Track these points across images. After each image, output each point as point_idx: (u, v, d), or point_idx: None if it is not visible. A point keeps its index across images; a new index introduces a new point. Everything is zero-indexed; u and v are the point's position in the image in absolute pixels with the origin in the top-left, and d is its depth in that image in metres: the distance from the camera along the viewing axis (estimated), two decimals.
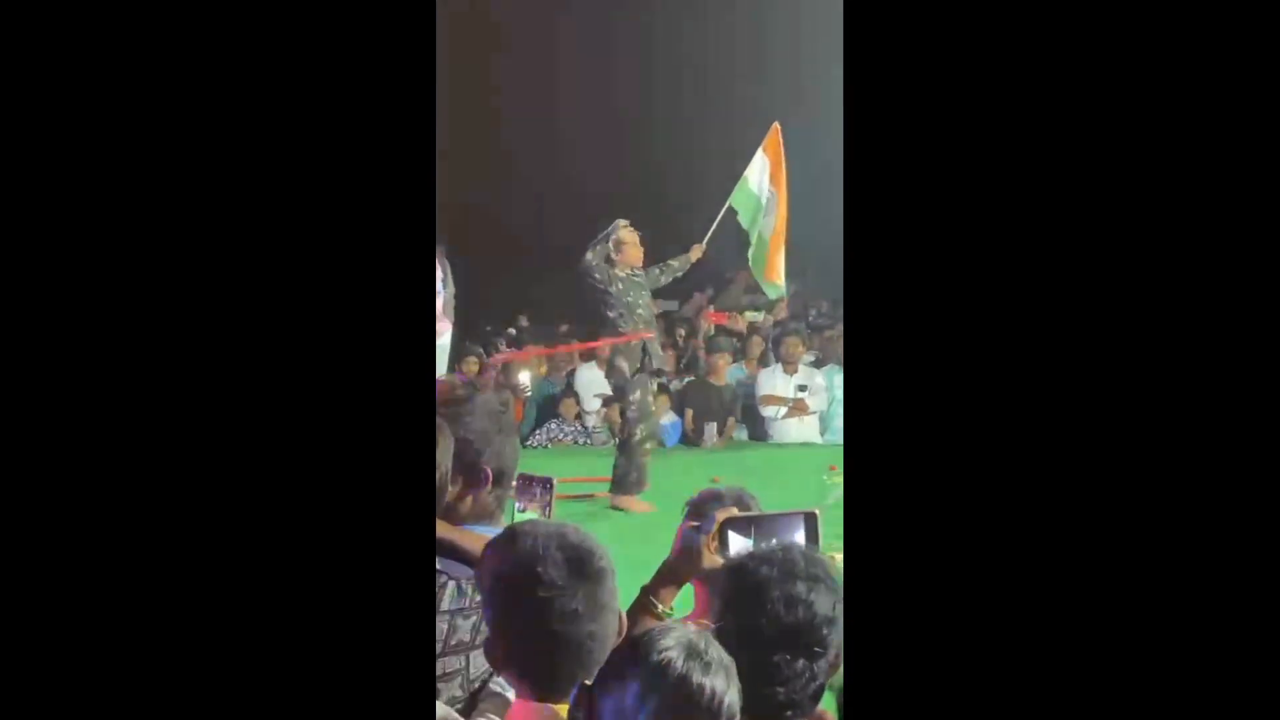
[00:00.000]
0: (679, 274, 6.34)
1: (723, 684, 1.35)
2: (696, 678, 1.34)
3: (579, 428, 7.74)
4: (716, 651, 1.38)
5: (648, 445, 5.81)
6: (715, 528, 1.78)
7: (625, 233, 5.85)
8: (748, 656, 1.44)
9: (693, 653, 1.36)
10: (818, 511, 1.92)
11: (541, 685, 1.46)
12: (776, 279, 6.58)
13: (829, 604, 1.54)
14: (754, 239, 6.49)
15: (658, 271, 6.11)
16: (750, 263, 6.66)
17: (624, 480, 5.72)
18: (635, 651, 1.38)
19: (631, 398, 5.81)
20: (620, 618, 1.50)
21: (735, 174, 6.57)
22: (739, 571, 1.59)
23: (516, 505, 1.88)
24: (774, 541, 1.71)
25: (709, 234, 6.30)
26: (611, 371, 6.00)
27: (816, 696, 1.55)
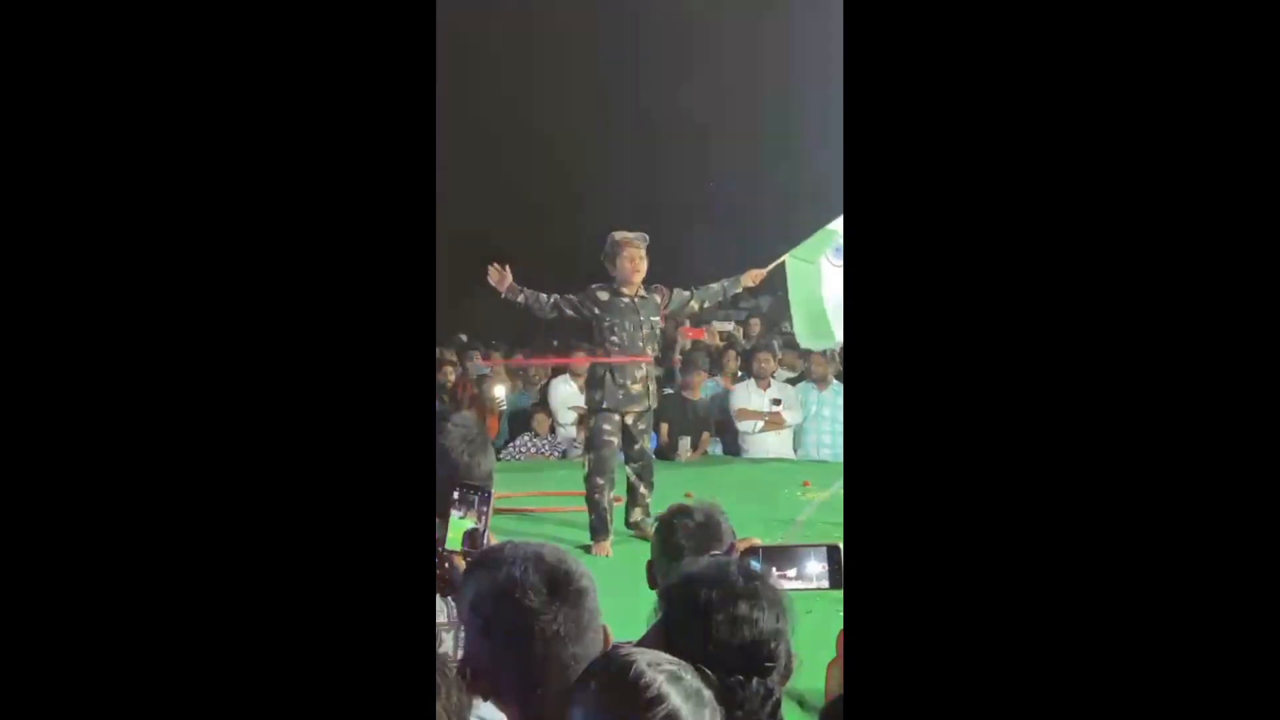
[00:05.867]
0: (720, 298, 5.70)
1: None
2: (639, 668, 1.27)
3: (552, 441, 7.72)
4: (692, 679, 1.32)
5: (599, 481, 5.17)
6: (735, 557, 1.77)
7: (630, 248, 5.27)
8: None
9: (673, 677, 1.30)
10: (840, 546, 1.92)
11: (529, 711, 1.43)
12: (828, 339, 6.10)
13: (773, 617, 1.53)
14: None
15: (687, 295, 5.49)
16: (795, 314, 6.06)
17: (590, 526, 5.23)
18: (609, 669, 1.32)
19: (590, 423, 5.39)
20: (605, 633, 1.47)
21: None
22: (678, 596, 1.57)
23: (455, 513, 1.87)
24: (704, 558, 1.70)
25: (769, 268, 5.74)
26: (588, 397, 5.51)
27: (775, 711, 1.54)
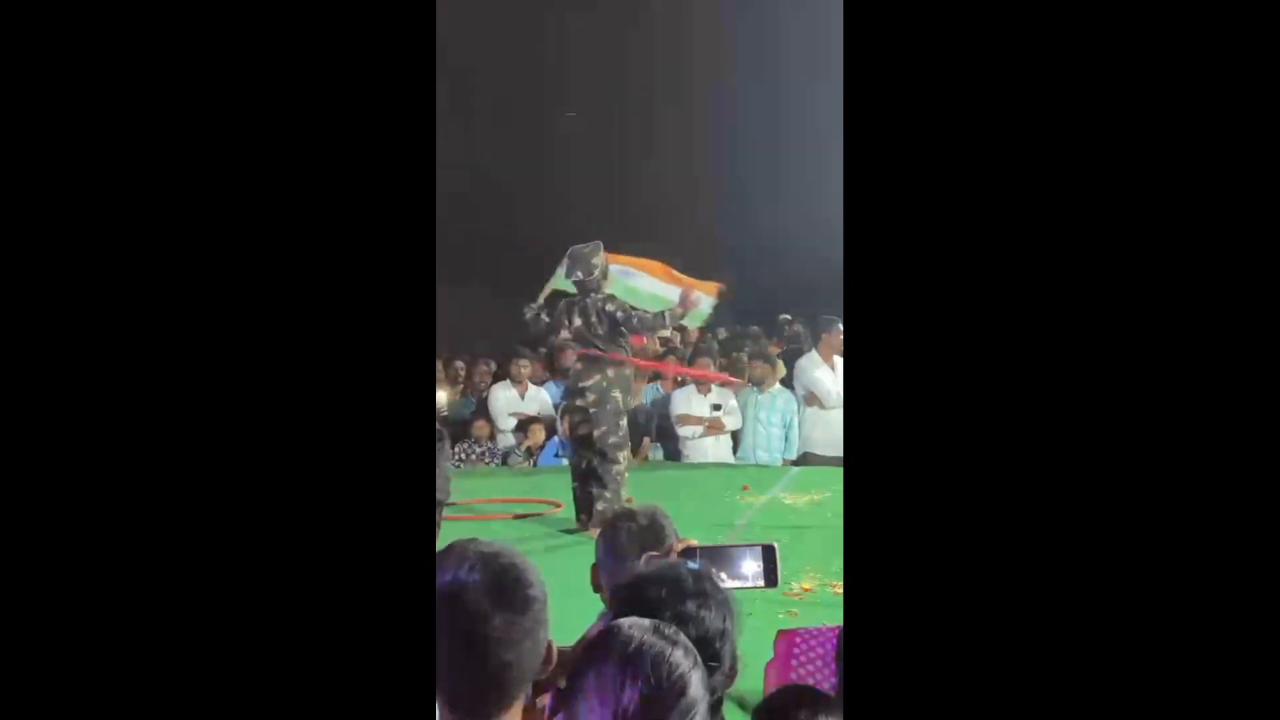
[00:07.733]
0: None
1: (689, 662, 1.35)
2: (668, 653, 1.34)
3: (492, 448, 7.72)
4: (677, 633, 1.38)
5: (622, 456, 5.61)
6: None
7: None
8: None
9: (658, 631, 1.36)
10: (775, 545, 1.97)
11: (466, 708, 1.41)
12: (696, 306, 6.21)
13: (719, 618, 1.57)
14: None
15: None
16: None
17: (590, 506, 5.53)
18: (605, 643, 1.37)
19: (607, 408, 5.61)
20: (550, 647, 1.44)
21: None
22: (628, 595, 1.59)
23: None
24: (659, 560, 1.74)
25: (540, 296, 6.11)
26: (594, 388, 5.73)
27: (717, 709, 1.58)
